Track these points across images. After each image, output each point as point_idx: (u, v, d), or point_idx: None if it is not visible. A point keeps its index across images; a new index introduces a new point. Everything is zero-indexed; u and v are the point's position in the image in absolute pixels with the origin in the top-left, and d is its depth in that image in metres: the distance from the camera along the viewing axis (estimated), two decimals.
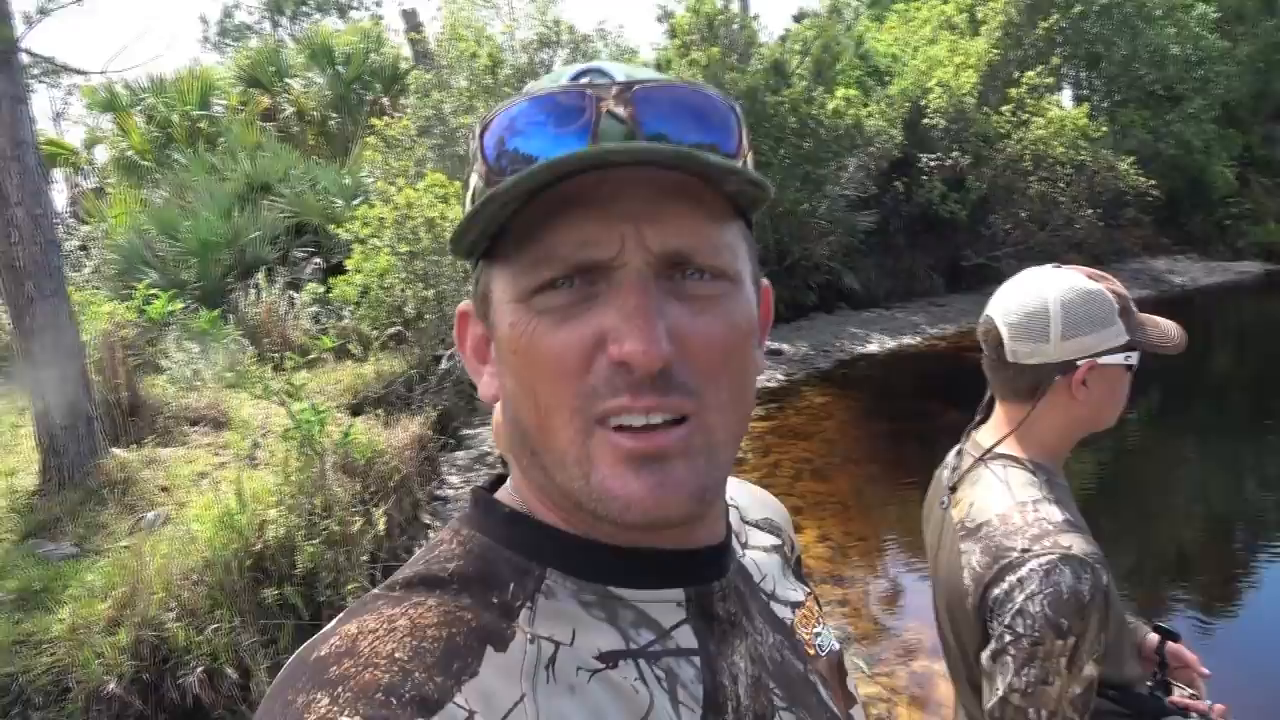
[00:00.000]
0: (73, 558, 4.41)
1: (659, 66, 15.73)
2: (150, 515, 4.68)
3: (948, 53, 14.45)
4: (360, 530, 4.51)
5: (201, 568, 3.85)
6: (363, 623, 0.52)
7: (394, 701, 0.47)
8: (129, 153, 13.81)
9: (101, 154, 15.58)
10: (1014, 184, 14.26)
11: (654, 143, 0.53)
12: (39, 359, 4.91)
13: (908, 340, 12.70)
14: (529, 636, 0.54)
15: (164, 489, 5.13)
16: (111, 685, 3.41)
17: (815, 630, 0.75)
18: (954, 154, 13.88)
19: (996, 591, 1.33)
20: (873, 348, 12.36)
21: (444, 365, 8.12)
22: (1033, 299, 1.42)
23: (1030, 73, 14.31)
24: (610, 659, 0.56)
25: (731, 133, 0.57)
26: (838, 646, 0.77)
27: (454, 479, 6.93)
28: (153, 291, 7.23)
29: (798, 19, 16.69)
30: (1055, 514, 1.36)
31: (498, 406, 0.65)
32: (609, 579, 0.59)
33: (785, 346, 11.91)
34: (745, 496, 0.82)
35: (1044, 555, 1.30)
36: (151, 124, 13.97)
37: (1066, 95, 17.96)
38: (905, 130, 13.84)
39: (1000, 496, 1.42)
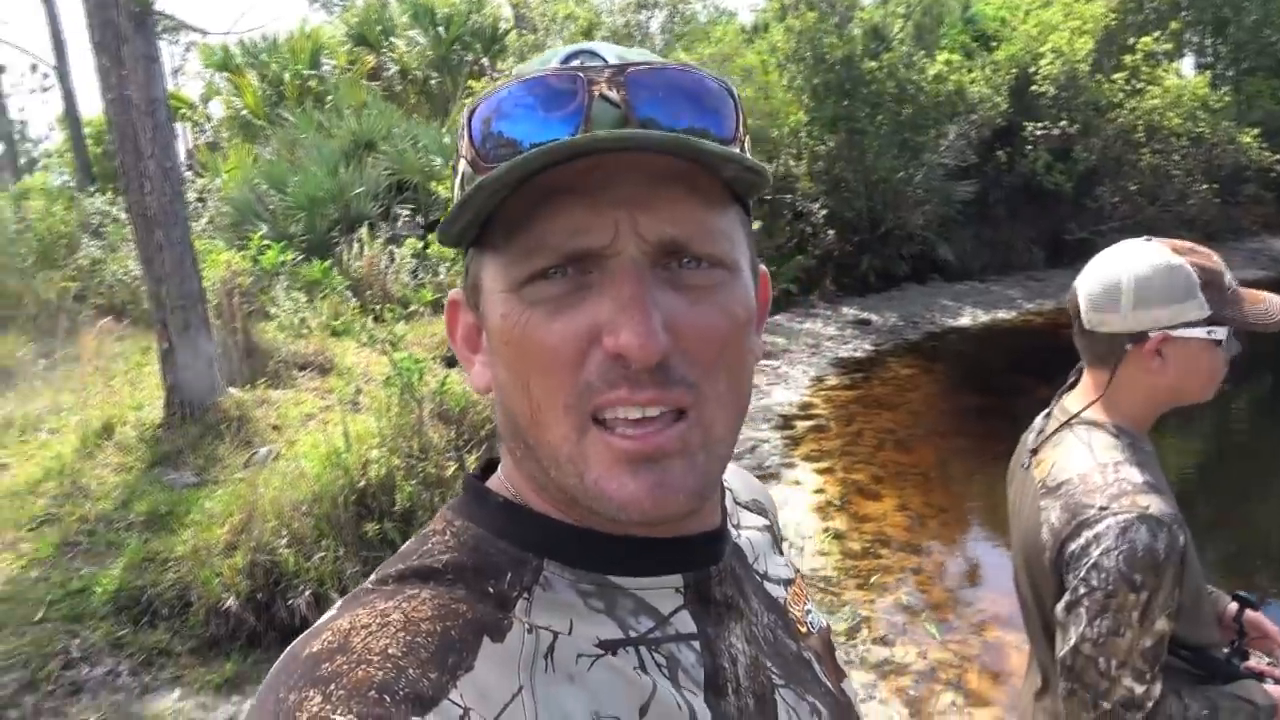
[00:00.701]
0: (193, 486, 4.80)
1: (756, 30, 15.53)
2: (263, 450, 5.02)
3: (1062, 16, 13.84)
4: (453, 474, 4.75)
5: (310, 500, 4.13)
6: (355, 617, 0.51)
7: (388, 699, 0.46)
8: (243, 110, 14.44)
9: (216, 109, 16.33)
10: (1124, 155, 13.67)
11: (647, 128, 0.51)
12: (166, 303, 5.28)
13: (1002, 314, 12.40)
14: (527, 626, 0.53)
15: (275, 427, 5.48)
16: (229, 602, 3.73)
17: (805, 608, 0.75)
18: (1062, 123, 13.35)
19: (1073, 546, 1.38)
20: (964, 321, 12.12)
21: None
22: (1110, 270, 1.46)
23: (1148, 38, 13.63)
24: (610, 647, 0.55)
25: (728, 116, 0.55)
26: (825, 623, 0.77)
27: None
28: (265, 243, 7.62)
29: None
30: (1135, 475, 1.39)
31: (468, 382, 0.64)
32: (607, 568, 0.58)
33: (874, 317, 11.78)
34: (736, 480, 0.81)
35: (1121, 513, 1.34)
36: (264, 82, 14.54)
37: (1188, 63, 17.02)
38: (1011, 97, 13.37)
39: (1082, 457, 1.45)
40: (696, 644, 0.59)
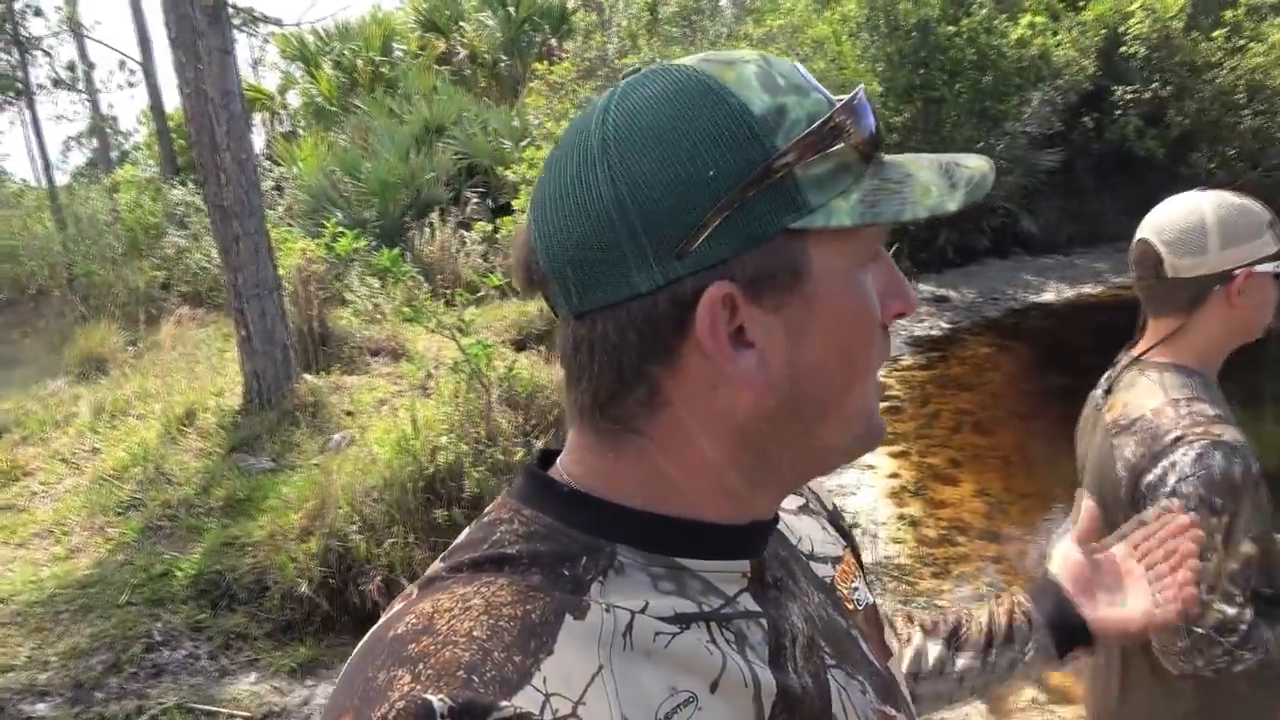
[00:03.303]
0: (270, 471, 4.91)
1: (826, 2, 15.12)
2: (337, 437, 5.11)
3: None
4: (521, 460, 4.76)
5: (381, 486, 4.18)
6: (437, 601, 0.53)
7: (475, 680, 0.48)
8: (318, 98, 14.73)
9: (294, 99, 16.69)
10: (1223, 119, 12.90)
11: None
12: (243, 291, 5.40)
13: (1088, 289, 11.90)
14: (604, 607, 0.55)
15: (349, 413, 5.58)
16: (303, 587, 3.80)
17: (853, 585, 0.76)
18: (1154, 85, 12.68)
19: (1150, 477, 1.42)
20: (1048, 296, 11.66)
21: None
22: (1189, 214, 1.50)
23: None
24: (683, 621, 0.57)
25: None
26: (872, 600, 0.78)
27: None
28: (339, 229, 7.75)
29: None
30: (1208, 409, 1.44)
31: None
32: (678, 551, 0.60)
33: (951, 293, 11.42)
34: None
35: (1196, 441, 1.39)
36: (338, 70, 14.79)
37: None
38: (1099, 60, 12.74)
39: (1155, 394, 1.50)
40: (763, 621, 0.61)
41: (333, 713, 0.49)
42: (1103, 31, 12.91)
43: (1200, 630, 1.36)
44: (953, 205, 0.57)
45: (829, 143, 0.56)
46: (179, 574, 3.96)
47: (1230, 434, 1.40)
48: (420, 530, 4.13)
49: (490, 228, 9.44)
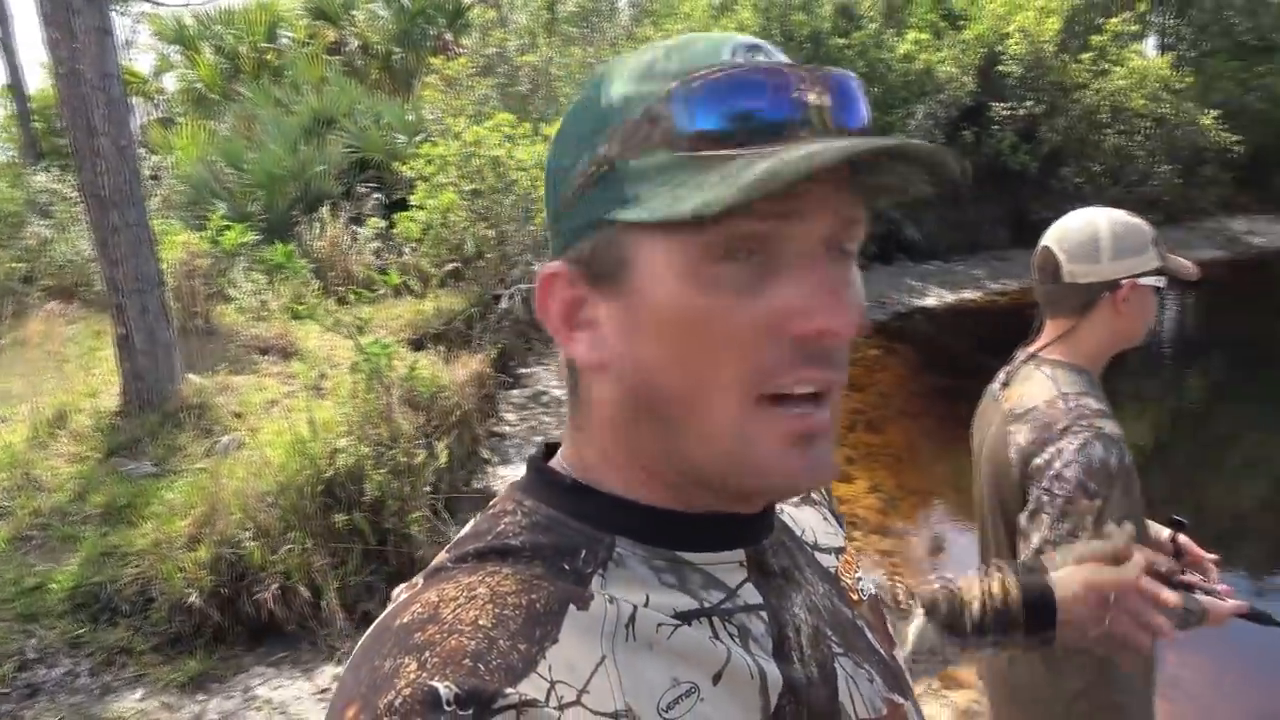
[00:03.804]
0: (153, 477, 4.64)
1: (723, 9, 15.39)
2: (225, 439, 4.87)
3: None
4: (424, 462, 4.65)
5: (276, 491, 4.01)
6: (443, 591, 0.53)
7: (481, 668, 0.48)
8: (197, 84, 14.02)
9: (169, 83, 15.83)
10: (1088, 136, 13.78)
11: (841, 129, 0.54)
12: (122, 286, 5.09)
13: (967, 294, 12.48)
14: (607, 598, 0.55)
15: (237, 415, 5.33)
16: (193, 597, 3.61)
17: (856, 576, 0.77)
18: (1027, 103, 13.41)
19: (1038, 461, 1.58)
20: (930, 301, 12.18)
21: (503, 304, 8.22)
22: (1086, 226, 1.68)
23: (1115, 19, 13.71)
24: (686, 617, 0.57)
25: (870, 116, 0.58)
26: (875, 591, 0.79)
27: (510, 416, 7.07)
28: (226, 222, 7.41)
29: None
30: (1093, 404, 1.61)
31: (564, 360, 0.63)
32: (675, 544, 0.60)
33: None
34: None
35: (1081, 432, 1.55)
36: (220, 56, 14.12)
37: (1150, 44, 17.16)
38: (978, 78, 13.41)
39: (1047, 388, 1.66)
40: (764, 614, 0.61)
41: (340, 701, 0.49)
42: (982, 51, 13.59)
43: None
44: (791, 175, 0.49)
45: (647, 135, 0.54)
46: (54, 587, 3.69)
47: (1110, 427, 1.57)
48: (319, 535, 3.98)
49: (384, 224, 9.19)
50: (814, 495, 0.83)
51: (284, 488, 4.05)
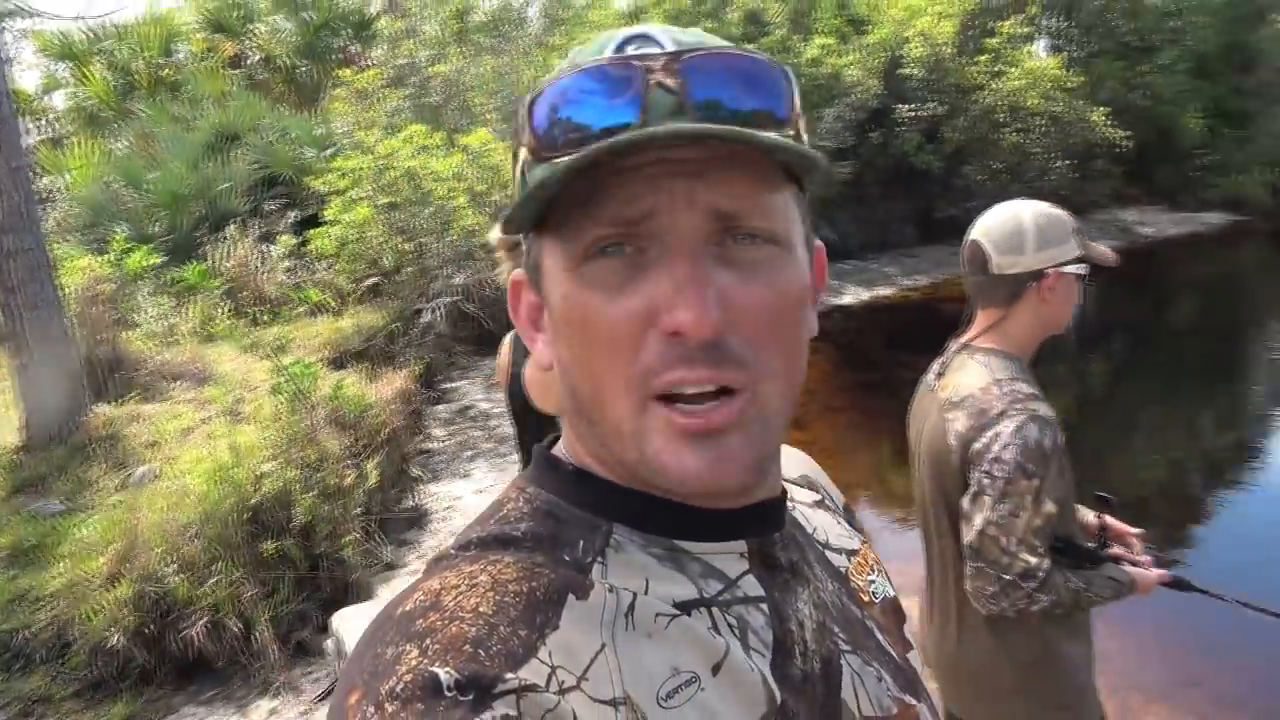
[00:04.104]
0: (63, 514, 4.41)
1: (633, 16, 15.48)
2: (140, 471, 4.66)
3: (926, 1, 14.34)
4: (353, 483, 4.54)
5: (199, 521, 3.86)
6: (444, 579, 0.53)
7: (481, 653, 0.48)
8: (89, 102, 13.42)
9: (58, 101, 15.10)
10: (989, 135, 14.28)
11: (706, 111, 0.53)
12: (19, 314, 4.83)
13: (882, 291, 12.80)
14: (607, 587, 0.55)
15: (151, 444, 5.10)
16: (115, 638, 3.44)
17: (869, 577, 0.76)
18: (930, 105, 13.85)
19: (977, 445, 1.64)
20: (848, 299, 12.45)
21: (425, 319, 8.08)
22: (1010, 220, 1.74)
23: (1007, 22, 14.28)
24: (685, 607, 0.57)
25: (783, 97, 0.56)
26: (892, 593, 0.78)
27: (439, 432, 6.95)
28: (129, 244, 7.11)
29: None
30: (1025, 388, 1.68)
31: (531, 359, 0.69)
32: (673, 533, 0.60)
33: None
34: (784, 458, 0.81)
35: (1016, 415, 1.62)
36: (113, 71, 13.55)
37: (1041, 45, 17.92)
38: (882, 81, 13.78)
39: (981, 375, 1.72)
40: (765, 606, 0.61)
41: (343, 688, 0.49)
42: (885, 54, 13.97)
43: (1008, 577, 1.61)
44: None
45: (525, 140, 0.56)
46: None
47: (1043, 410, 1.63)
48: (247, 565, 3.84)
49: (296, 241, 8.95)
50: (827, 502, 0.82)
51: (208, 517, 3.90)
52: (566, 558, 0.57)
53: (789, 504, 0.71)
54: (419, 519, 5.22)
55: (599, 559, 0.57)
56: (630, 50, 0.55)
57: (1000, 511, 1.60)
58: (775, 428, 0.57)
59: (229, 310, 7.69)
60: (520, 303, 0.64)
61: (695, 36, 0.58)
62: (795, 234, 0.59)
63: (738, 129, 0.51)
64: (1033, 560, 1.60)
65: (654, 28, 0.58)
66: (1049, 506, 1.60)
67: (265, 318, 7.49)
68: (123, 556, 3.74)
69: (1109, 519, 1.87)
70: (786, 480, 0.77)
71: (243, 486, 4.02)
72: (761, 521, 0.63)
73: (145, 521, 3.86)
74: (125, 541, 3.79)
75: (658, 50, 0.55)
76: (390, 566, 4.65)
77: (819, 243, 0.66)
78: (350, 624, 3.46)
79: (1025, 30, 14.78)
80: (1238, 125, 18.93)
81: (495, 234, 2.42)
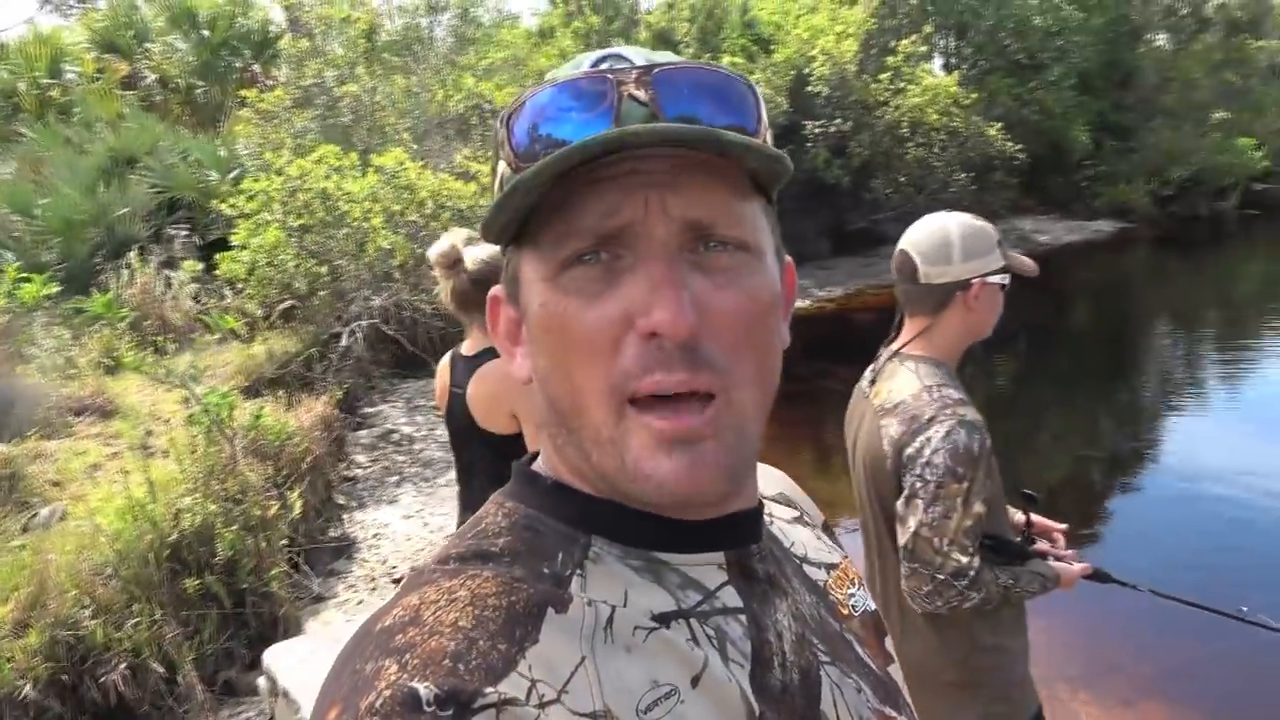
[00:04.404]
0: None
1: (541, 34, 15.52)
2: (45, 511, 4.41)
3: (828, 21, 14.77)
4: (277, 514, 4.39)
5: (115, 561, 3.66)
6: (424, 594, 0.53)
7: (460, 668, 0.48)
8: None
9: None
10: (893, 150, 14.76)
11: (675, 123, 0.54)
12: None
13: (798, 303, 13.03)
14: (585, 600, 0.55)
15: (55, 483, 4.83)
16: (26, 689, 3.23)
17: (849, 591, 0.77)
18: (836, 121, 14.25)
19: (910, 450, 1.70)
20: None
21: (343, 342, 7.89)
22: (937, 231, 1.80)
23: (905, 41, 14.81)
24: (663, 619, 0.57)
25: (751, 112, 0.58)
26: (873, 607, 0.79)
27: (361, 458, 6.78)
28: (24, 275, 6.74)
29: None
30: (954, 393, 1.75)
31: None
32: (652, 544, 0.60)
33: None
34: (759, 476, 0.81)
35: (946, 421, 1.68)
36: None
37: (937, 63, 18.65)
38: (790, 98, 14.11)
39: (912, 382, 1.78)
40: (743, 618, 0.61)
41: (322, 704, 0.49)
42: (791, 73, 14.33)
43: (941, 576, 1.67)
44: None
45: (505, 154, 0.58)
46: None
47: (971, 414, 1.70)
48: (168, 605, 3.67)
49: (201, 266, 8.62)
50: (805, 518, 0.83)
51: (123, 557, 3.71)
52: (545, 571, 0.57)
53: (767, 519, 0.72)
54: (346, 548, 5.07)
55: (578, 571, 0.57)
56: (604, 67, 0.57)
57: (933, 514, 1.66)
58: (750, 436, 0.58)
59: (133, 341, 7.36)
60: (499, 318, 0.65)
61: (666, 56, 0.60)
62: (765, 243, 0.60)
63: (716, 130, 0.53)
64: (964, 559, 1.67)
65: (626, 48, 0.60)
66: (978, 507, 1.67)
67: (171, 347, 7.19)
68: (31, 602, 3.51)
69: (1034, 515, 1.95)
70: (764, 497, 0.78)
71: (160, 523, 3.84)
72: (739, 533, 0.64)
73: (55, 564, 3.64)
74: (33, 586, 3.56)
75: (629, 65, 0.57)
76: (319, 598, 4.51)
77: (788, 258, 0.68)
78: (282, 661, 3.33)
79: (923, 49, 15.36)
80: (1121, 138, 20.06)
81: (433, 251, 2.38)
